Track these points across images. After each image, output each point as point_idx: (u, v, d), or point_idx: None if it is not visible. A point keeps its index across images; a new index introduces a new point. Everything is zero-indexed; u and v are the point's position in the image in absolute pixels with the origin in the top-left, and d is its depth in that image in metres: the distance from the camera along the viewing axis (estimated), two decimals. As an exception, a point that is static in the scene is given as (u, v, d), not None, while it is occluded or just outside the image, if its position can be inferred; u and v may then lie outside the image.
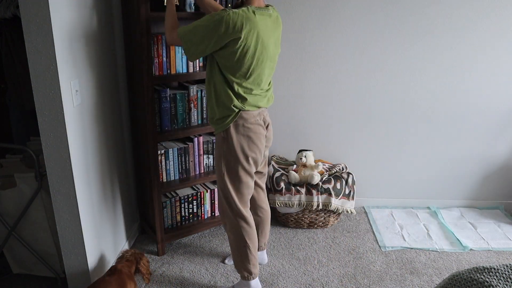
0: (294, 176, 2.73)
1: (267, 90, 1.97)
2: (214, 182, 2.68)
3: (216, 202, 2.65)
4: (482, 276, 1.34)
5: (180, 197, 2.51)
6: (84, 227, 1.96)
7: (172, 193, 2.55)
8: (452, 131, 2.96)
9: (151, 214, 2.46)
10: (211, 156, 2.54)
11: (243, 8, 1.75)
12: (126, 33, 2.29)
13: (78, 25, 1.84)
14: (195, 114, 2.42)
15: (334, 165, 2.93)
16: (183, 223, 2.58)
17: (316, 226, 2.83)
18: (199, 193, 2.57)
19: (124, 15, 2.26)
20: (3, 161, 2.26)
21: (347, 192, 2.76)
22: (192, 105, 2.38)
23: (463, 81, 2.83)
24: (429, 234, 2.81)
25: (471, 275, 1.36)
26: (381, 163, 3.06)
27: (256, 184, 2.15)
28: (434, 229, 2.87)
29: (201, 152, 2.49)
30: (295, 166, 2.88)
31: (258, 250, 2.32)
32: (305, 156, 2.78)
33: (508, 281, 1.32)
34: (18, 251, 2.21)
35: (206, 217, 2.66)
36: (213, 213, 2.68)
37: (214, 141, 2.38)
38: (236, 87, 1.83)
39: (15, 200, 2.09)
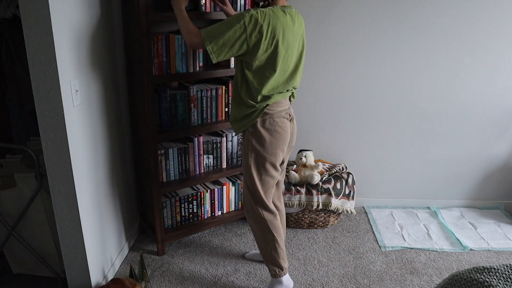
0: (294, 176, 2.73)
1: (293, 87, 2.01)
2: (214, 182, 2.68)
3: (216, 202, 2.65)
4: (482, 276, 1.34)
5: (180, 197, 2.51)
6: (84, 227, 1.96)
7: (172, 193, 2.55)
8: (452, 131, 2.96)
9: (151, 214, 2.46)
10: (211, 156, 2.54)
11: (270, 7, 1.76)
12: (126, 33, 2.29)
13: (78, 25, 1.84)
14: (195, 114, 2.42)
15: (334, 165, 2.93)
16: (183, 223, 2.57)
17: (316, 226, 2.83)
18: (199, 193, 2.57)
19: (124, 15, 2.26)
20: (3, 161, 2.26)
21: (347, 192, 2.76)
22: (192, 105, 2.38)
23: (463, 81, 2.83)
24: (429, 234, 2.81)
25: (471, 275, 1.36)
26: (381, 163, 3.06)
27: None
28: (434, 229, 2.87)
29: (201, 152, 2.49)
30: (295, 166, 2.88)
31: None
32: (305, 156, 2.78)
33: (508, 281, 1.32)
34: (18, 251, 2.21)
35: (206, 217, 2.66)
36: (213, 213, 2.68)
37: (240, 140, 2.50)
38: (263, 84, 1.85)
39: (15, 200, 2.09)
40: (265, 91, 1.86)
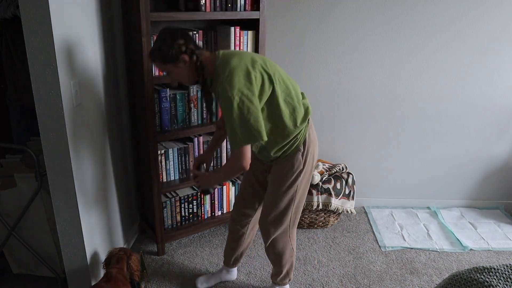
0: (294, 176, 2.73)
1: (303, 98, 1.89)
2: (214, 182, 2.68)
3: (216, 202, 2.65)
4: (482, 276, 1.34)
5: (180, 197, 2.51)
6: (84, 227, 1.95)
7: (172, 193, 2.55)
8: (452, 131, 2.96)
9: (151, 214, 2.46)
10: (211, 156, 2.54)
11: (232, 64, 1.59)
12: (126, 33, 2.29)
13: (78, 25, 1.84)
14: (195, 114, 2.42)
15: (334, 165, 2.93)
16: (183, 223, 2.58)
17: (316, 226, 2.83)
18: (199, 193, 2.57)
19: (124, 15, 2.26)
20: (3, 161, 2.26)
21: (347, 192, 2.76)
22: (192, 105, 2.38)
23: (463, 81, 2.83)
24: (429, 234, 2.81)
25: (471, 275, 1.36)
26: (381, 163, 3.06)
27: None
28: (434, 229, 2.87)
29: (201, 152, 2.49)
30: (295, 166, 2.87)
31: (233, 265, 2.27)
32: (305, 156, 2.78)
33: (508, 281, 1.32)
34: (18, 251, 2.21)
35: (206, 217, 2.66)
36: (213, 213, 2.68)
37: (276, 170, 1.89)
38: (293, 99, 1.74)
39: (15, 200, 2.09)
40: (299, 101, 1.75)
